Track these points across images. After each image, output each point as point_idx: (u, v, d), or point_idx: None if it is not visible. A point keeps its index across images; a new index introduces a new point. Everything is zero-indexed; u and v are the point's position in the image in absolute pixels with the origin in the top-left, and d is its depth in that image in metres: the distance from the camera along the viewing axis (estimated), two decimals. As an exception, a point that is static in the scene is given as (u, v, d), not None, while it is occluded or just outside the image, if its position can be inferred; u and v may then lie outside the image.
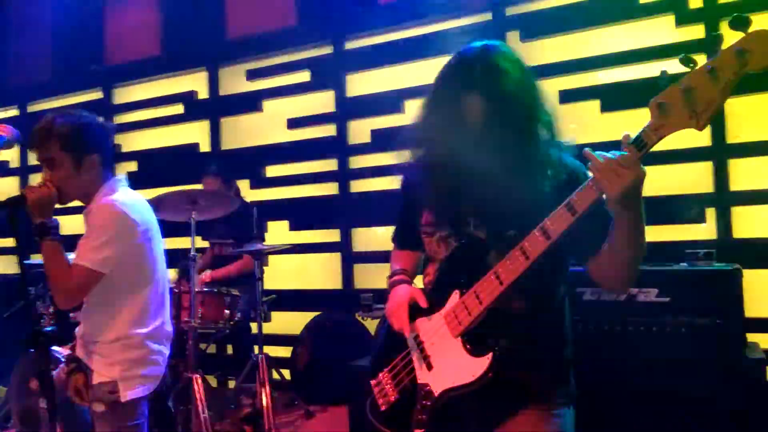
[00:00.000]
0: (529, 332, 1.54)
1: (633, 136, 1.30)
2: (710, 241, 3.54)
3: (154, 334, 2.17)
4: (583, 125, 3.88)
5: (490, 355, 1.47)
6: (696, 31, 3.64)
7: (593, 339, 2.68)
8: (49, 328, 3.29)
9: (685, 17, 3.68)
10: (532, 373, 1.54)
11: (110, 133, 2.25)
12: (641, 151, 1.28)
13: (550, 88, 3.98)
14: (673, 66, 1.28)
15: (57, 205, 2.11)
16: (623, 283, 1.58)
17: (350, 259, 4.74)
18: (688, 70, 1.23)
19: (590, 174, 1.33)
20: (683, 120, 1.24)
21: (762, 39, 1.15)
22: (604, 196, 1.33)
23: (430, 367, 1.59)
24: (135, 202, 2.17)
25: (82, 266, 2.02)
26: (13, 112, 6.32)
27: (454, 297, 1.56)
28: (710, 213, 3.62)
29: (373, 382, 1.73)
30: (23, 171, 6.24)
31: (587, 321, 2.70)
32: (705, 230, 3.63)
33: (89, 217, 2.13)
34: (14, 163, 6.30)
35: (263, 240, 4.30)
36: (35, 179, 2.13)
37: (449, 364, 1.55)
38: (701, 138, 3.37)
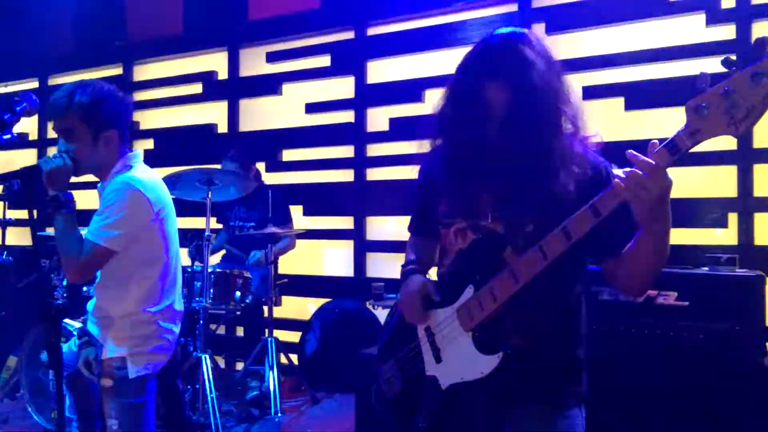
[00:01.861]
0: (542, 330, 1.49)
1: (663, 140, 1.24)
2: (731, 247, 3.48)
3: (165, 313, 2.17)
4: (605, 123, 3.82)
5: (500, 353, 1.44)
6: (727, 32, 3.56)
7: (608, 340, 2.64)
8: (60, 301, 3.30)
9: (716, 17, 3.59)
10: (543, 371, 1.50)
11: (129, 107, 2.22)
12: (674, 156, 1.22)
13: (574, 83, 3.91)
14: (703, 67, 1.23)
15: (72, 179, 2.10)
16: (641, 289, 1.54)
17: (363, 247, 4.72)
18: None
19: (618, 177, 1.28)
20: (721, 126, 1.18)
21: None
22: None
23: (438, 359, 1.57)
24: (150, 181, 2.15)
25: (93, 243, 2.01)
26: (33, 84, 6.35)
27: (468, 292, 1.53)
28: (732, 218, 3.55)
29: (380, 369, 1.71)
30: (41, 143, 6.28)
31: (602, 321, 2.65)
32: (726, 235, 3.56)
33: (104, 192, 2.12)
34: (33, 135, 6.34)
35: (285, 224, 4.28)
36: (53, 152, 2.12)
37: (458, 359, 1.52)
38: (727, 141, 3.30)
